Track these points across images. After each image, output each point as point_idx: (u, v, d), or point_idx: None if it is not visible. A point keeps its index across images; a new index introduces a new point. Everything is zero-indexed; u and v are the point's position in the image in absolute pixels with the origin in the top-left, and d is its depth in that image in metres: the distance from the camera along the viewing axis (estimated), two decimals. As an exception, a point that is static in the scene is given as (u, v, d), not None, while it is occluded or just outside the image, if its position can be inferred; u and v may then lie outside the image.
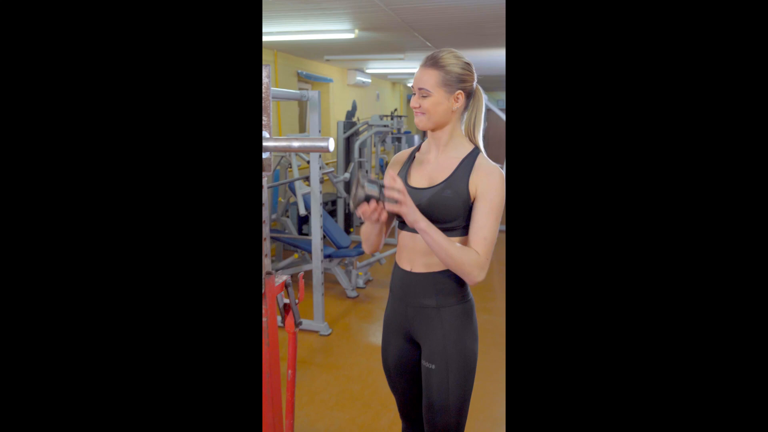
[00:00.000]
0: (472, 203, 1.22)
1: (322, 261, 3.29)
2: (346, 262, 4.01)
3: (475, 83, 1.28)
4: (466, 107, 1.29)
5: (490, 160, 1.27)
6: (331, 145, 1.00)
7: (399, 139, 6.46)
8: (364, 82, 7.84)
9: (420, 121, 1.26)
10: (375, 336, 3.32)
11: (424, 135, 1.37)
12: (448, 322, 1.26)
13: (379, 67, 7.45)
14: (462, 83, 1.23)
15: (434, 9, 3.58)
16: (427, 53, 1.24)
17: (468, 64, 1.26)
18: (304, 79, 6.30)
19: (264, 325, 1.09)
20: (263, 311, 1.09)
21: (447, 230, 1.21)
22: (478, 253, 1.18)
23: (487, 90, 10.35)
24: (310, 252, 3.87)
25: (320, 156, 3.33)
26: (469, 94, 1.27)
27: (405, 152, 1.41)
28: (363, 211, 1.13)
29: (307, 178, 4.04)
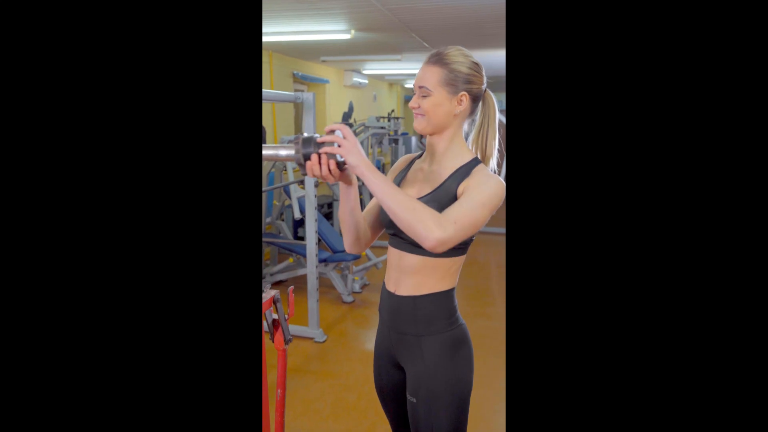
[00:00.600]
0: None
1: (317, 266, 3.23)
2: (342, 266, 3.95)
3: (484, 87, 1.14)
4: (471, 113, 1.16)
5: (492, 173, 1.11)
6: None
7: (396, 141, 6.42)
8: (360, 83, 7.78)
9: (419, 124, 1.13)
10: (371, 342, 3.26)
11: (421, 138, 1.27)
12: (430, 352, 1.13)
13: (376, 68, 7.41)
14: (467, 84, 1.11)
15: (431, 9, 3.53)
16: (425, 54, 1.13)
17: (476, 64, 1.13)
18: (300, 80, 6.25)
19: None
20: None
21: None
22: (442, 215, 0.99)
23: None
24: (304, 256, 3.80)
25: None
26: (476, 98, 1.14)
27: (408, 157, 1.30)
28: (309, 169, 0.99)
29: (302, 182, 3.98)
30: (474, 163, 1.13)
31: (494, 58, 5.83)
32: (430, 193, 1.12)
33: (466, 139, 1.19)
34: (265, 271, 4.08)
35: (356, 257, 3.84)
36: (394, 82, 10.22)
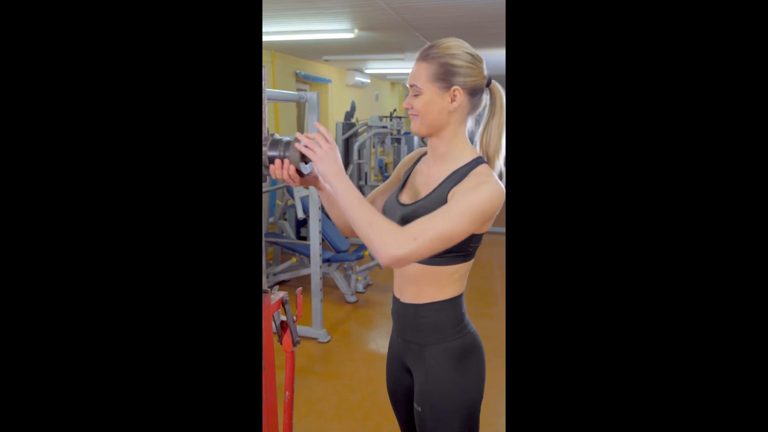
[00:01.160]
0: None
1: (320, 266, 3.22)
2: (345, 266, 3.93)
3: (485, 79, 1.05)
4: (473, 108, 1.07)
5: (495, 175, 1.01)
6: None
7: (398, 141, 6.40)
8: (362, 83, 7.77)
9: (414, 126, 1.06)
10: (375, 343, 3.25)
11: (423, 138, 1.21)
12: (434, 362, 1.08)
13: (378, 67, 7.39)
14: (460, 77, 1.01)
15: (434, 8, 3.52)
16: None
17: (470, 55, 1.03)
18: (302, 79, 6.23)
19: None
20: (258, 332, 1.02)
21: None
22: (402, 230, 0.91)
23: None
24: (308, 256, 3.79)
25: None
26: (473, 92, 1.04)
27: (416, 153, 1.22)
28: (271, 171, 0.98)
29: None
30: (474, 164, 1.03)
31: (497, 57, 5.81)
32: (422, 199, 1.05)
33: (473, 137, 1.11)
34: (267, 270, 4.07)
35: (359, 257, 3.83)
36: (396, 81, 10.20)
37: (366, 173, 5.89)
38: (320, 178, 1.06)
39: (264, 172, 1.00)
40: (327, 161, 0.94)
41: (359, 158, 5.70)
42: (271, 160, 0.98)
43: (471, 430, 1.11)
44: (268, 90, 2.53)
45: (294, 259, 4.17)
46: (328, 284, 4.12)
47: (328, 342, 3.19)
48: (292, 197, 4.08)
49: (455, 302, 1.10)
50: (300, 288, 1.23)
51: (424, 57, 1.03)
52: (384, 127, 5.92)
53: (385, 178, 6.37)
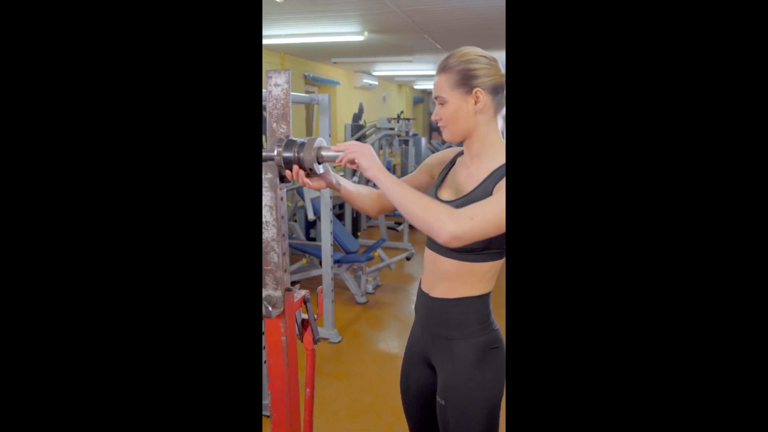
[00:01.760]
0: None
1: (331, 267, 3.24)
2: (355, 267, 3.96)
3: (503, 77, 1.10)
4: (499, 108, 1.12)
5: None
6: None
7: (406, 142, 6.42)
8: (370, 85, 7.80)
9: (446, 134, 1.13)
10: (386, 343, 3.27)
11: (430, 139, 1.26)
12: (461, 356, 1.12)
13: (386, 69, 7.42)
14: (478, 79, 1.07)
15: (444, 11, 3.54)
16: (436, 55, 1.17)
17: (484, 57, 1.09)
18: (311, 81, 6.27)
19: (283, 344, 1.04)
20: (282, 330, 1.04)
21: (462, 252, 1.09)
22: (458, 210, 0.98)
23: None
24: (318, 257, 3.82)
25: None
26: (495, 90, 1.09)
27: (449, 152, 1.27)
28: (287, 174, 1.03)
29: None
30: None
31: (504, 60, 5.82)
32: (464, 196, 1.10)
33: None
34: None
35: (369, 258, 3.85)
36: (403, 83, 10.22)
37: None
38: (334, 181, 1.13)
39: (281, 171, 1.03)
40: (369, 157, 1.01)
41: (368, 160, 5.71)
42: (287, 161, 1.01)
43: (492, 426, 1.13)
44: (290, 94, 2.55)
45: (304, 260, 4.20)
46: (338, 285, 4.14)
47: (339, 342, 3.21)
48: (303, 199, 4.11)
49: (484, 299, 1.14)
50: (320, 287, 1.25)
51: (443, 68, 1.10)
52: (392, 128, 5.94)
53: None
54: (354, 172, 5.65)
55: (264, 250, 1.02)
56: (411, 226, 5.44)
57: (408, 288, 4.34)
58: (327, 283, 3.23)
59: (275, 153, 1.01)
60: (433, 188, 1.22)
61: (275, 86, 1.03)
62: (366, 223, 6.15)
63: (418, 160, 6.52)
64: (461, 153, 1.21)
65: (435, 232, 0.95)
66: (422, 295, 1.21)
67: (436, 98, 1.11)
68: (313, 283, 4.10)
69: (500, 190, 1.03)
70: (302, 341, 1.18)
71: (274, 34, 4.38)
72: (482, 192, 1.07)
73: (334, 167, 1.16)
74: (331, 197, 3.25)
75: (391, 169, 7.27)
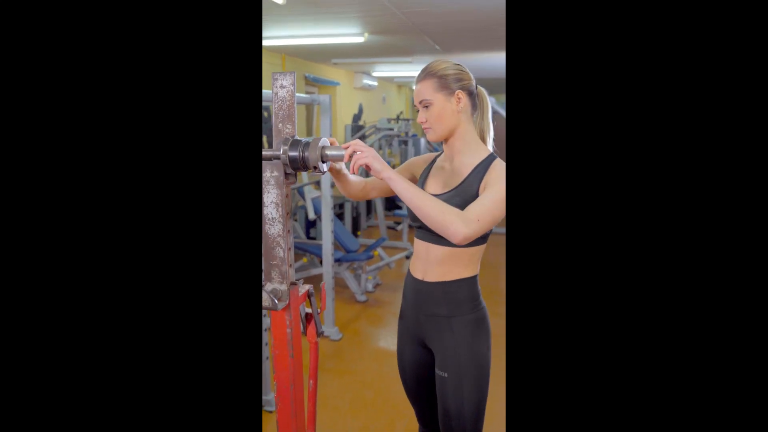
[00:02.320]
0: None
1: (332, 265, 3.28)
2: (355, 266, 4.00)
3: (473, 82, 1.26)
4: (474, 109, 1.27)
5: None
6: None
7: (405, 143, 6.46)
8: (370, 86, 7.84)
9: (431, 135, 1.26)
10: (386, 341, 3.31)
11: (428, 142, 1.36)
12: (459, 330, 1.27)
13: (386, 70, 7.45)
14: (459, 82, 1.22)
15: (445, 12, 3.57)
16: (436, 56, 1.26)
17: (458, 65, 1.25)
18: (312, 82, 6.30)
19: (288, 336, 1.08)
20: (288, 322, 1.07)
21: None
22: (465, 214, 1.10)
23: (496, 93, 10.33)
24: (318, 256, 3.85)
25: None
26: (471, 94, 1.25)
27: (427, 156, 1.41)
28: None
29: (317, 183, 4.03)
30: (491, 159, 1.24)
31: (504, 62, 5.86)
32: (454, 188, 1.23)
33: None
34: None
35: (369, 257, 3.89)
36: (402, 84, 10.26)
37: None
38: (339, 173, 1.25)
39: (286, 170, 1.07)
40: (379, 160, 1.09)
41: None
42: (292, 160, 1.05)
43: (484, 392, 1.29)
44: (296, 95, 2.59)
45: (305, 259, 4.24)
46: (339, 284, 4.18)
47: (339, 340, 3.25)
48: (303, 198, 4.14)
49: (474, 280, 1.31)
50: (323, 282, 1.29)
51: (425, 76, 1.24)
52: (391, 129, 5.98)
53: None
54: (366, 173, 5.69)
55: (270, 245, 1.06)
56: (410, 226, 5.47)
57: (408, 287, 4.36)
58: (328, 282, 3.26)
59: (281, 152, 1.04)
60: (419, 184, 1.33)
61: (281, 88, 1.07)
62: (366, 223, 6.19)
63: (418, 160, 6.53)
64: (440, 154, 1.37)
65: (450, 233, 1.08)
66: (415, 282, 1.33)
67: (420, 103, 1.25)
68: (313, 282, 4.13)
69: (490, 187, 1.17)
70: (306, 335, 1.22)
71: (275, 35, 4.41)
72: (467, 186, 1.22)
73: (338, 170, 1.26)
74: (332, 197, 3.29)
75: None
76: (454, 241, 1.08)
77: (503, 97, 10.79)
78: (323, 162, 1.08)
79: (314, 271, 4.01)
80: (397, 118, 6.69)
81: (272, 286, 1.07)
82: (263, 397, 2.41)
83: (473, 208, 1.13)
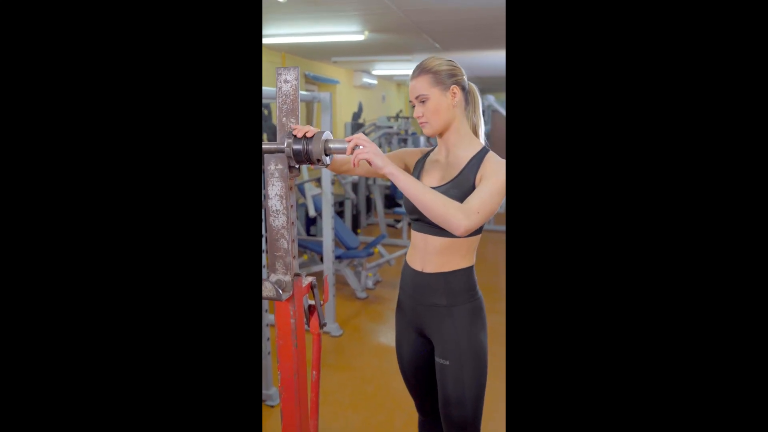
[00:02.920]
0: None
1: (333, 262, 3.30)
2: (356, 263, 4.02)
3: (466, 78, 1.30)
4: (467, 104, 1.31)
5: (500, 159, 1.26)
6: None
7: (405, 141, 6.48)
8: (370, 84, 7.85)
9: (427, 129, 1.29)
10: (386, 337, 3.33)
11: (428, 138, 1.39)
12: (459, 319, 1.30)
13: (386, 68, 7.47)
14: (453, 78, 1.26)
15: (445, 11, 3.59)
16: (434, 54, 1.28)
17: (451, 61, 1.28)
18: (311, 80, 6.32)
19: (292, 326, 1.10)
20: (291, 313, 1.09)
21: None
22: (465, 207, 1.13)
23: (495, 91, 10.34)
24: (318, 253, 3.87)
25: (331, 157, 3.33)
26: (464, 89, 1.29)
27: (420, 150, 1.44)
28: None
29: (317, 180, 4.04)
30: (484, 151, 1.28)
31: (504, 60, 5.87)
32: (451, 181, 1.27)
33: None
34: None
35: (369, 254, 3.91)
36: (402, 82, 10.27)
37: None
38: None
39: (290, 163, 1.08)
40: (381, 156, 1.12)
41: (368, 158, 5.77)
42: (296, 153, 1.07)
43: (484, 378, 1.32)
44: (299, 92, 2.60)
45: (306, 257, 4.25)
46: (339, 281, 4.20)
47: (340, 336, 3.27)
48: (303, 196, 4.16)
49: (471, 270, 1.35)
50: (327, 274, 1.31)
51: (419, 74, 1.27)
52: (390, 127, 6.00)
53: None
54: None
55: (275, 237, 1.08)
56: (409, 224, 5.48)
57: (407, 284, 4.38)
58: (329, 279, 3.28)
59: (285, 145, 1.06)
60: (415, 177, 1.36)
61: (285, 82, 1.09)
62: (366, 220, 6.21)
63: (418, 158, 6.55)
64: (433, 148, 1.41)
65: (453, 226, 1.11)
66: (413, 273, 1.36)
67: (416, 98, 1.28)
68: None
69: (486, 179, 1.21)
70: (308, 327, 1.24)
71: (275, 33, 4.43)
72: (463, 178, 1.26)
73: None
74: (333, 194, 3.31)
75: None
76: (456, 233, 1.11)
77: (503, 96, 10.80)
78: (326, 155, 1.10)
79: (315, 268, 4.03)
80: (397, 117, 6.71)
81: (276, 277, 1.09)
82: (264, 392, 2.43)
83: (473, 200, 1.16)
